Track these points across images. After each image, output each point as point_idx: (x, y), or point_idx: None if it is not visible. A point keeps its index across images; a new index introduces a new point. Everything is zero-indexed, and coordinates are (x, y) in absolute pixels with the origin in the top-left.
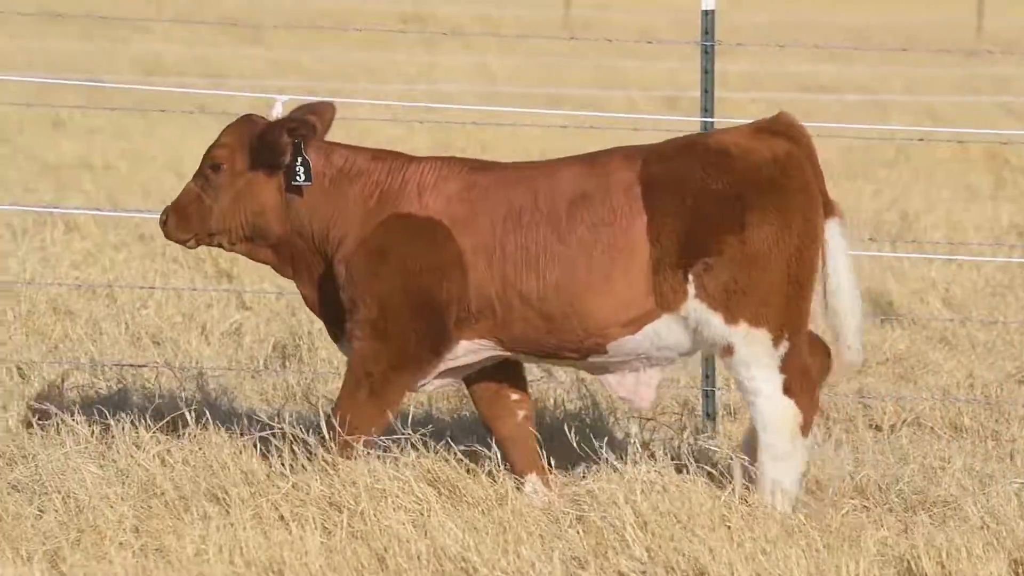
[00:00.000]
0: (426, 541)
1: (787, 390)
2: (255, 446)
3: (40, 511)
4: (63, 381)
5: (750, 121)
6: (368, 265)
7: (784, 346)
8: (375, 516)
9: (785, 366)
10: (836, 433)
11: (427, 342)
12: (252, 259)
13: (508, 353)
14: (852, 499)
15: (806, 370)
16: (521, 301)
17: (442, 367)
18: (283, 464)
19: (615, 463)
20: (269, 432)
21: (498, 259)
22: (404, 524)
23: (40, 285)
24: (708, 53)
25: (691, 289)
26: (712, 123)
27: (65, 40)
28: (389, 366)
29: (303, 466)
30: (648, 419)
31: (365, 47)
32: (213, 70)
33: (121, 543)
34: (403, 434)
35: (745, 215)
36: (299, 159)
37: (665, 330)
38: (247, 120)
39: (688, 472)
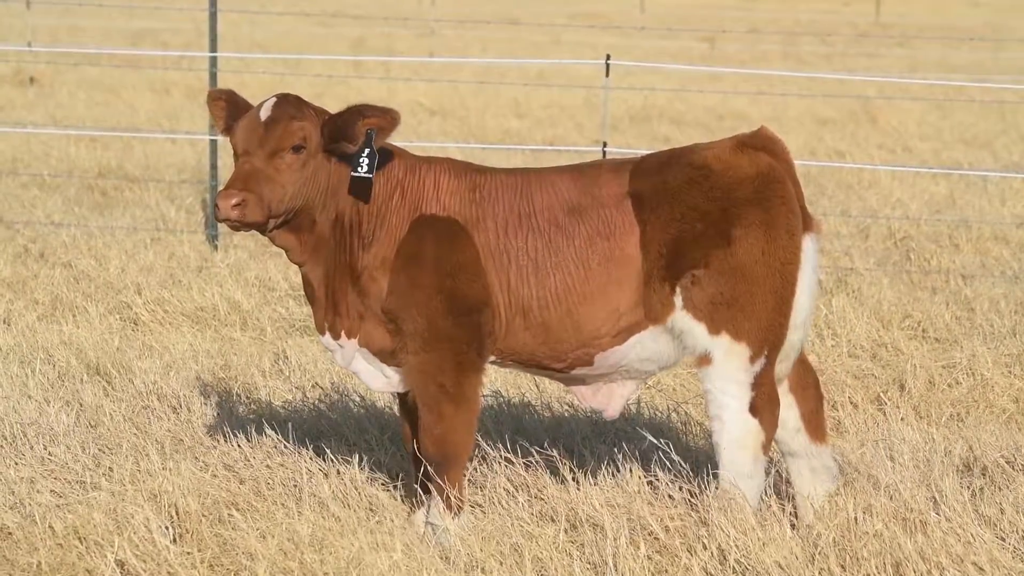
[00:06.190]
0: None
1: (753, 408)
2: None
3: None
4: None
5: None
6: (408, 273)
7: (760, 363)
8: None
9: (756, 383)
10: None
11: (474, 344)
12: (274, 243)
13: (495, 363)
14: None
15: (772, 390)
16: (523, 309)
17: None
18: None
19: None
20: None
21: (503, 265)
22: None
23: None
24: None
25: (678, 301)
26: None
27: None
28: (457, 370)
29: None
30: None
31: None
32: None
33: None
34: None
35: (731, 229)
36: (366, 150)
37: (651, 342)
38: (300, 99)
39: None
